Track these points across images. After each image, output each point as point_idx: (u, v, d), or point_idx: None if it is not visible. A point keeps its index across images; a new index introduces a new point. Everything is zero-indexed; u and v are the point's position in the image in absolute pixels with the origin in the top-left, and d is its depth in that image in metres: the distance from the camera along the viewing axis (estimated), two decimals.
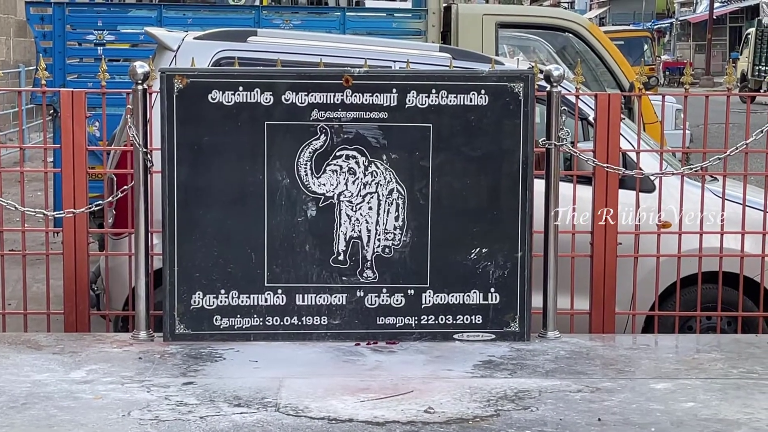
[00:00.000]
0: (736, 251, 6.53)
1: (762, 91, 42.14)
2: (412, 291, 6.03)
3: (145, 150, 5.98)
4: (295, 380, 5.31)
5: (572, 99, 6.66)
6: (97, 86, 6.72)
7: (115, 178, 6.49)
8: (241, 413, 4.79)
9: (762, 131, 7.19)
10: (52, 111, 7.72)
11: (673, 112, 12.82)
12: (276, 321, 6.01)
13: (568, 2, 57.95)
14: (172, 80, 5.88)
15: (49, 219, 6.78)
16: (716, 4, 50.15)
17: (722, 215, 6.50)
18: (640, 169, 6.64)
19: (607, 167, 6.35)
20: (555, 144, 6.15)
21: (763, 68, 44.35)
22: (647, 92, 9.67)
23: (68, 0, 14.10)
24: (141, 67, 6.09)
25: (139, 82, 6.01)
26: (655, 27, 53.14)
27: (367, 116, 5.97)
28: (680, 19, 57.23)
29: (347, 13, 13.54)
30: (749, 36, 41.32)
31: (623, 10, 64.82)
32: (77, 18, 11.71)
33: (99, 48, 10.93)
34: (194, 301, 5.95)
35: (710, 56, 50.89)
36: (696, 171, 6.96)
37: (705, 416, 4.80)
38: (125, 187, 6.27)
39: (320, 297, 6.01)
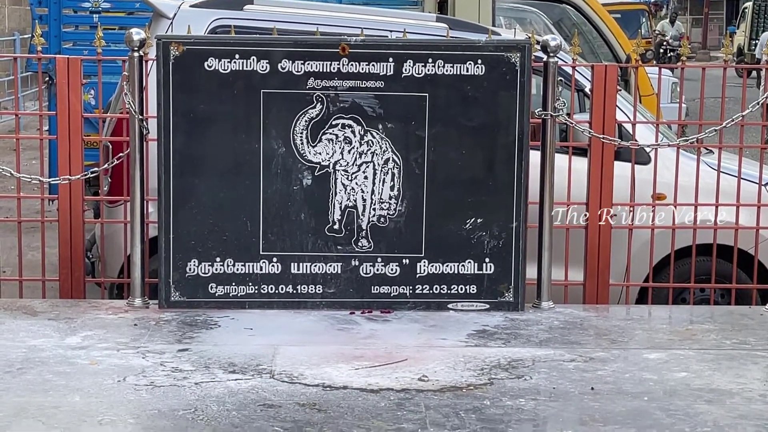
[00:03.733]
0: (731, 224, 6.55)
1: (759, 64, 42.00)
2: (407, 260, 6.04)
3: (140, 117, 5.99)
4: (289, 348, 5.34)
5: (569, 70, 6.66)
6: (93, 54, 6.71)
7: (110, 146, 6.50)
8: (236, 379, 4.81)
9: (757, 103, 7.21)
10: (47, 78, 7.71)
11: (669, 86, 12.80)
12: (271, 289, 6.02)
13: None
14: (168, 47, 5.88)
15: (45, 186, 6.77)
16: None
17: (717, 188, 6.51)
18: (636, 140, 6.66)
19: (603, 138, 6.35)
20: (551, 115, 6.16)
21: None
22: (643, 65, 9.65)
23: None
24: (137, 34, 6.09)
25: (135, 49, 6.02)
26: (653, 1, 52.92)
27: (363, 85, 5.97)
28: None
29: None
30: (746, 10, 41.21)
31: None
32: None
33: (95, 15, 10.91)
34: (189, 269, 5.96)
35: (707, 30, 50.79)
36: (691, 143, 6.98)
37: (698, 386, 4.83)
38: (121, 154, 6.28)
39: (315, 266, 6.02)
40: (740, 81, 8.39)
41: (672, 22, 42.92)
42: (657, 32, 40.45)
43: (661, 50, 35.45)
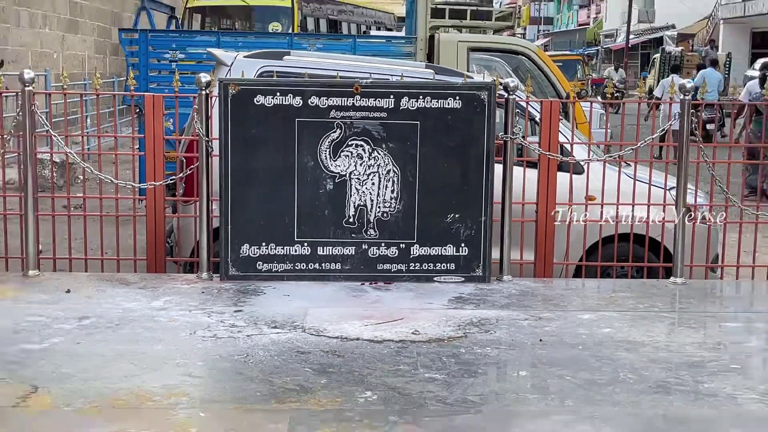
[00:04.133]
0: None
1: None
2: (403, 245, 6.05)
3: (207, 139, 6.01)
4: (316, 309, 5.38)
5: (523, 104, 6.67)
6: (172, 92, 6.73)
7: (184, 160, 6.52)
8: (276, 333, 4.87)
9: (663, 130, 7.23)
10: (138, 110, 7.72)
11: (598, 116, 12.82)
12: (303, 266, 6.03)
13: (521, 34, 57.74)
14: (227, 88, 5.90)
15: (136, 189, 6.80)
16: (631, 36, 49.80)
17: (633, 192, 6.53)
18: (573, 156, 6.69)
19: (549, 155, 6.38)
20: (510, 137, 6.18)
21: None
22: (578, 100, 9.65)
23: (150, 28, 14.16)
24: (204, 77, 6.12)
25: (203, 89, 6.03)
26: (586, 53, 52.75)
27: (371, 115, 5.97)
28: (604, 47, 56.90)
29: (357, 40, 13.55)
30: (655, 60, 41.12)
31: (562, 39, 64.51)
32: (157, 41, 11.71)
33: (173, 63, 10.93)
34: (243, 251, 5.98)
35: (626, 75, 50.81)
36: (614, 158, 7.00)
37: (619, 338, 4.87)
38: (192, 166, 6.31)
39: (335, 249, 6.04)
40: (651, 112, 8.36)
41: (616, 70, 43.08)
42: (606, 77, 40.69)
43: (608, 91, 35.50)
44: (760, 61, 24.24)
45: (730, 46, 43.73)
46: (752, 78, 17.31)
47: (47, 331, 4.81)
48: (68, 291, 5.70)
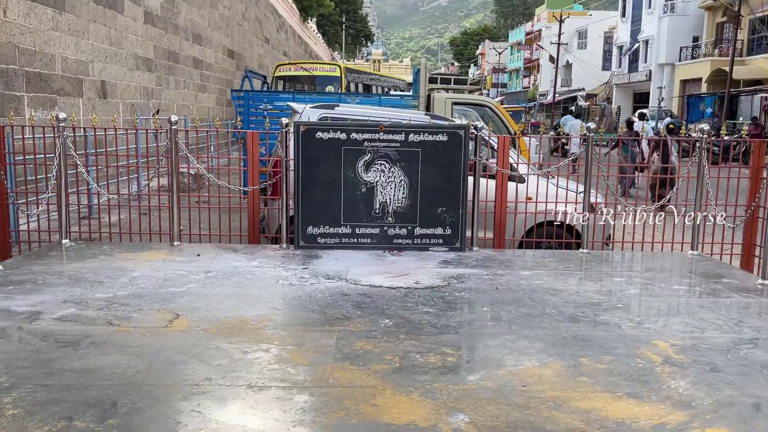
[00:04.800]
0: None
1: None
2: (410, 227, 6.04)
3: (286, 159, 6.03)
4: (354, 268, 5.37)
5: (486, 138, 6.65)
6: (263, 129, 6.81)
7: (272, 173, 6.55)
8: (329, 282, 4.89)
9: (575, 154, 7.18)
10: (242, 141, 7.79)
11: (534, 146, 12.79)
12: (346, 240, 6.03)
13: (486, 93, 57.63)
14: (300, 127, 5.91)
15: (241, 191, 6.85)
16: (556, 95, 49.40)
17: (556, 194, 6.51)
18: (518, 171, 6.67)
19: (502, 170, 6.36)
20: (478, 159, 6.16)
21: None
22: (521, 136, 9.63)
23: (250, 89, 14.23)
24: (284, 120, 6.16)
25: (284, 127, 6.06)
26: (527, 106, 52.44)
27: (390, 145, 5.95)
28: (539, 102, 56.51)
29: (381, 97, 13.61)
30: (572, 110, 40.87)
31: (513, 97, 64.12)
32: (254, 97, 11.75)
33: (264, 111, 10.98)
34: (308, 230, 5.99)
35: (553, 120, 50.53)
36: (543, 173, 6.98)
37: (546, 287, 4.85)
38: (276, 177, 6.35)
39: (366, 229, 6.04)
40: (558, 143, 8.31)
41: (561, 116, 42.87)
42: (542, 122, 40.55)
43: (541, 129, 35.47)
44: (637, 112, 24.08)
45: (620, 102, 43.44)
46: (633, 122, 17.07)
47: (184, 280, 4.89)
48: (198, 255, 5.78)
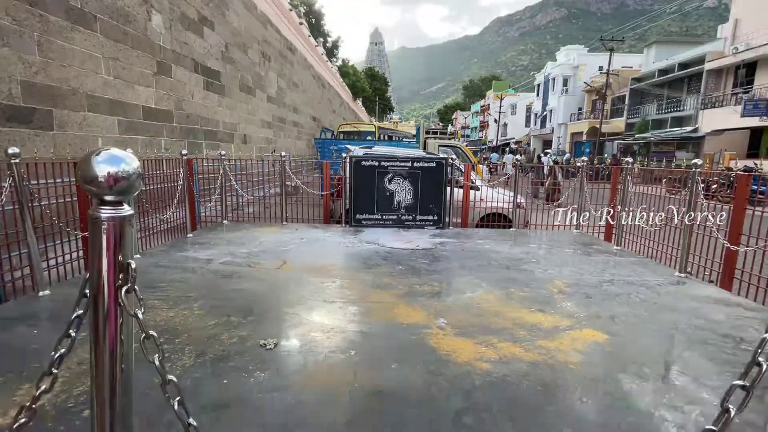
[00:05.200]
0: (502, 207, 6.43)
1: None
2: (414, 215, 5.93)
3: (345, 177, 5.97)
4: (382, 238, 5.30)
5: (458, 165, 6.54)
6: (330, 158, 6.76)
7: (336, 184, 6.53)
8: (368, 245, 4.82)
9: (507, 176, 7.00)
10: (320, 167, 7.74)
11: (485, 168, 12.57)
12: (378, 222, 5.92)
13: (457, 139, 56.98)
14: (352, 158, 5.82)
15: (318, 194, 6.83)
16: (498, 141, 48.31)
17: (500, 197, 6.40)
18: (476, 184, 6.55)
19: (467, 184, 6.24)
20: (453, 177, 6.05)
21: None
22: (478, 164, 9.44)
23: (322, 137, 14.19)
24: (344, 154, 6.11)
25: (344, 158, 6.02)
26: (482, 147, 51.35)
27: (403, 169, 5.86)
28: (488, 145, 55.25)
29: (398, 143, 13.38)
30: (506, 149, 40.01)
31: (473, 142, 62.36)
32: (326, 142, 11.69)
33: (333, 150, 10.95)
34: (357, 216, 5.91)
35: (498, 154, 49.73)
36: (490, 185, 6.85)
37: (491, 249, 4.74)
38: (339, 186, 6.32)
39: (389, 215, 5.92)
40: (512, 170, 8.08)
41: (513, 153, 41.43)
42: (489, 157, 39.50)
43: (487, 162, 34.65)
44: (544, 151, 23.70)
45: (536, 145, 42.34)
46: (541, 156, 17.32)
47: (288, 243, 4.86)
48: (296, 229, 5.74)
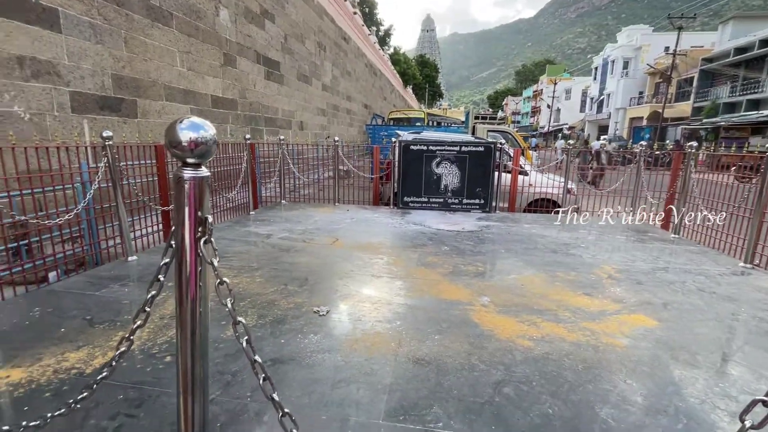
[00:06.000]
0: (552, 193, 6.14)
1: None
2: (461, 198, 5.84)
3: (394, 161, 5.96)
4: (428, 219, 5.27)
5: (507, 150, 6.29)
6: (380, 143, 6.76)
7: (386, 168, 6.54)
8: (415, 226, 4.81)
9: (559, 160, 6.66)
10: (371, 152, 7.71)
11: (534, 155, 11.99)
12: (425, 204, 5.89)
13: (507, 125, 54.57)
14: (401, 143, 5.80)
15: (368, 177, 6.88)
16: (549, 127, 45.69)
17: (547, 182, 6.11)
18: (525, 169, 6.30)
19: (515, 168, 6.02)
20: (501, 161, 5.85)
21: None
22: (528, 149, 9.04)
23: (373, 124, 14.22)
24: (395, 138, 6.08)
25: (393, 142, 5.99)
26: (532, 133, 48.83)
27: (451, 153, 5.78)
28: (540, 132, 52.40)
29: (447, 128, 13.12)
30: (558, 135, 37.64)
31: (524, 128, 59.34)
32: (377, 129, 11.73)
33: (384, 136, 10.95)
34: (404, 199, 5.90)
35: (547, 143, 46.94)
36: (541, 170, 6.54)
37: (538, 233, 4.58)
38: (388, 170, 6.31)
39: (436, 198, 5.87)
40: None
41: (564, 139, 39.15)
42: (542, 142, 37.55)
43: (540, 146, 32.83)
44: (601, 137, 22.09)
45: (590, 131, 39.56)
46: (588, 142, 16.35)
47: (340, 222, 4.96)
48: (348, 210, 5.84)
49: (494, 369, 1.84)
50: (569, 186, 6.07)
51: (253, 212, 5.58)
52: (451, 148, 5.82)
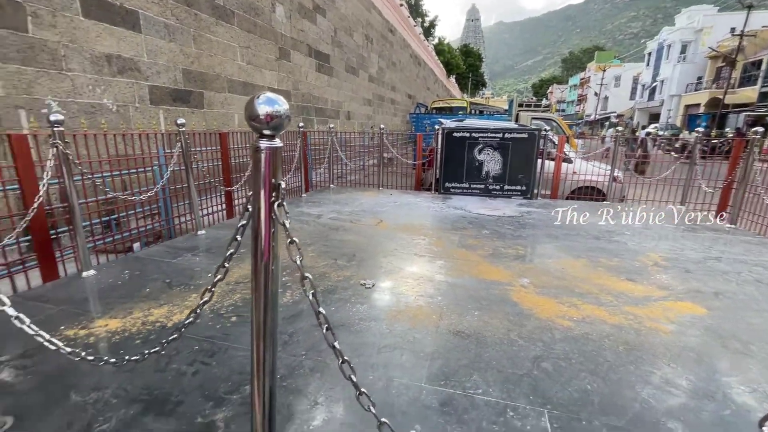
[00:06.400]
0: (596, 181, 5.79)
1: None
2: (502, 184, 5.66)
3: (437, 147, 5.86)
4: (469, 204, 5.18)
5: (551, 137, 6.00)
6: (423, 131, 6.68)
7: (428, 155, 6.48)
8: (455, 210, 4.75)
9: (605, 147, 6.23)
10: (414, 140, 7.67)
11: (580, 143, 11.29)
12: (466, 190, 5.78)
13: (551, 112, 51.54)
14: (444, 130, 5.70)
15: (411, 164, 6.84)
16: (597, 115, 42.70)
17: (592, 170, 5.76)
18: (569, 156, 5.97)
19: (560, 155, 5.73)
20: (545, 149, 5.59)
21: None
22: (572, 136, 8.53)
23: (416, 113, 14.02)
24: (437, 126, 5.97)
25: (436, 130, 5.90)
26: (577, 121, 45.83)
27: (493, 140, 5.60)
28: (585, 120, 49.05)
29: (489, 116, 12.66)
30: (606, 124, 35.03)
31: (569, 116, 55.84)
32: (420, 117, 11.57)
33: (427, 124, 10.79)
34: (446, 185, 5.82)
35: (593, 131, 43.84)
36: (586, 157, 6.16)
37: (581, 220, 4.37)
38: (430, 157, 6.25)
39: (477, 185, 5.74)
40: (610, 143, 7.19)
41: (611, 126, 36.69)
42: (588, 130, 35.25)
43: (586, 134, 31.03)
44: (650, 125, 20.34)
45: (640, 119, 36.47)
46: (635, 130, 15.14)
47: (384, 205, 4.99)
48: (391, 194, 5.87)
49: (533, 345, 1.82)
50: (616, 174, 5.70)
51: (304, 195, 5.78)
52: (494, 135, 5.64)
